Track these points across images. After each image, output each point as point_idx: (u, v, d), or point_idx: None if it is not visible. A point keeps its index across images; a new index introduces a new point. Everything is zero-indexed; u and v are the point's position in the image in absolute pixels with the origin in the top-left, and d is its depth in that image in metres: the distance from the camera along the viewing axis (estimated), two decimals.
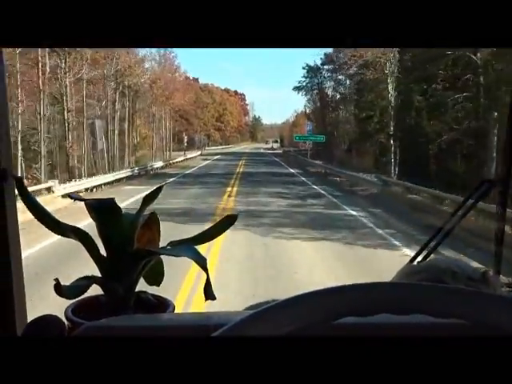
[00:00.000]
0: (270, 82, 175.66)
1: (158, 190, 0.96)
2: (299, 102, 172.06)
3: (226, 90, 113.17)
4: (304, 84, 49.01)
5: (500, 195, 1.29)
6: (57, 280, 0.81)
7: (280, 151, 70.46)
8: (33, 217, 0.87)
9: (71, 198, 0.98)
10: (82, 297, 0.90)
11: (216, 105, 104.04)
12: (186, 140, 55.96)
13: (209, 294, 0.92)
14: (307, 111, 54.48)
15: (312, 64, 46.50)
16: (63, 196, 14.99)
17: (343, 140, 43.11)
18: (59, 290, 0.82)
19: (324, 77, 46.18)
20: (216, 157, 51.81)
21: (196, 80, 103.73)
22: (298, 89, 49.49)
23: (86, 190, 19.00)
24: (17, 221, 0.89)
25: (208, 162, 42.67)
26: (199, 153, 53.52)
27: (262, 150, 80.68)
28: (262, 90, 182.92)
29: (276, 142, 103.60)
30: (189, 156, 46.98)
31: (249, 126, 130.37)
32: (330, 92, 48.02)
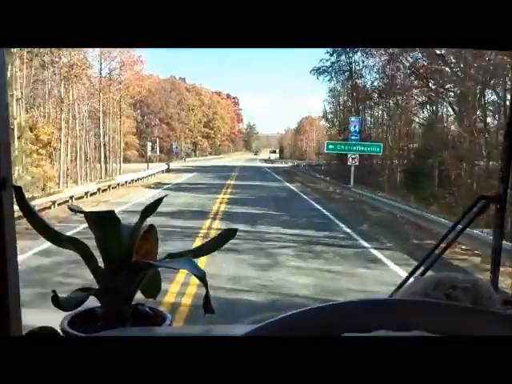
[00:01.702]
0: (265, 92, 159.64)
1: (159, 201, 0.94)
2: (300, 111, 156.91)
3: (218, 93, 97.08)
4: (328, 65, 31.71)
5: (497, 211, 1.28)
6: (54, 292, 0.80)
7: (283, 165, 53.09)
8: None
9: (71, 210, 0.96)
10: (79, 308, 0.89)
11: (205, 108, 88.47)
12: (149, 148, 38.45)
13: (208, 308, 0.91)
14: (328, 109, 37.33)
15: None
16: None
17: (397, 154, 25.53)
18: (56, 301, 0.82)
19: (363, 52, 28.70)
20: (185, 177, 28.99)
21: (183, 80, 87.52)
22: (317, 72, 32.17)
23: None
24: (14, 228, 0.90)
25: (154, 193, 16.97)
26: (166, 167, 35.93)
27: (258, 163, 63.30)
28: (257, 100, 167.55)
29: (274, 152, 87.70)
30: (136, 176, 24.91)
31: (243, 134, 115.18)
32: (368, 77, 30.86)
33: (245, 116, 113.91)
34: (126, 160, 56.63)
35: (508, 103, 15.35)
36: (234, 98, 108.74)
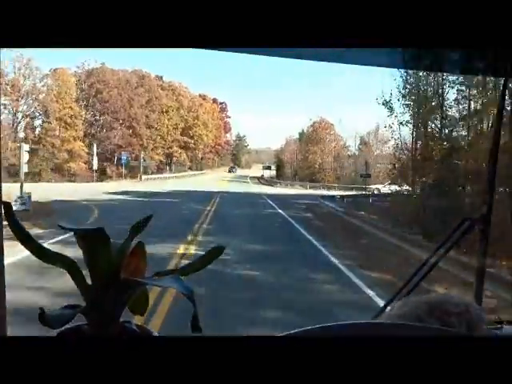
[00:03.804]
0: (257, 102, 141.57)
1: (148, 218, 0.96)
2: (299, 121, 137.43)
3: (202, 96, 76.40)
4: None
5: (481, 233, 1.30)
6: (41, 309, 0.82)
7: (294, 192, 32.89)
8: None
9: (61, 227, 0.98)
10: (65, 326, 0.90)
11: (183, 111, 67.83)
12: (26, 160, 17.78)
13: (195, 326, 0.91)
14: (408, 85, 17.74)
15: None
16: None
17: None
18: (43, 318, 0.83)
19: None
20: None
21: (160, 78, 65.42)
22: None
23: None
24: (1, 239, 0.92)
25: None
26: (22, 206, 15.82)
27: (252, 188, 43.26)
28: (246, 108, 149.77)
29: (268, 168, 67.76)
30: None
31: (231, 147, 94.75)
32: None
33: (233, 125, 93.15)
34: (68, 176, 36.28)
35: None
36: (221, 103, 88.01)
